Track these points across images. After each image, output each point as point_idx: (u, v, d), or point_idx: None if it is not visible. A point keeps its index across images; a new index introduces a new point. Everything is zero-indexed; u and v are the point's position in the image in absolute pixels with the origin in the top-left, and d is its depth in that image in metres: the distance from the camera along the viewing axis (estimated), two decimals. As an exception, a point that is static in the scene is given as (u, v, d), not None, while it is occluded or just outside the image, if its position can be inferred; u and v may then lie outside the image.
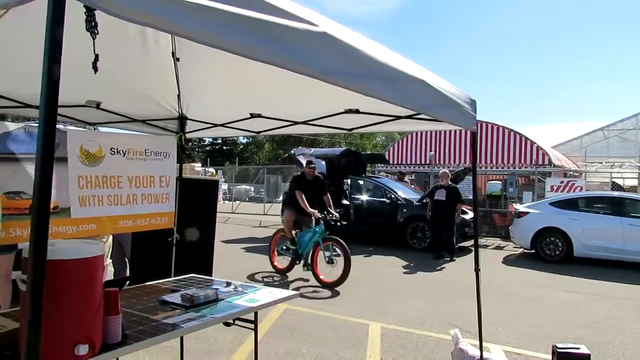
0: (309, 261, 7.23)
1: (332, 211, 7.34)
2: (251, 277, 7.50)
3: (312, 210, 7.13)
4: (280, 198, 16.11)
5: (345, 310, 5.69)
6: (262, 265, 8.28)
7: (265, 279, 7.44)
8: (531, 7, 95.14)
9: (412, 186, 14.78)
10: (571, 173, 17.55)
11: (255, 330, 3.05)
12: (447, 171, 10.45)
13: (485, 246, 12.15)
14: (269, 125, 4.41)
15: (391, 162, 19.76)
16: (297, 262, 7.44)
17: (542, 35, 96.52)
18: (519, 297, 6.70)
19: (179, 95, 3.92)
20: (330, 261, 6.94)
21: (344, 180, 12.76)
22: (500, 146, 18.08)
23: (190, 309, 2.74)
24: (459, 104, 3.22)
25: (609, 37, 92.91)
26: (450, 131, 18.05)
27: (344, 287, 6.89)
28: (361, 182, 12.61)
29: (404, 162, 19.91)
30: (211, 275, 4.49)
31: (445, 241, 9.79)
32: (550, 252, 9.84)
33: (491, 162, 18.05)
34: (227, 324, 2.86)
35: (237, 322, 2.93)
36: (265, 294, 3.18)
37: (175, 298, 2.90)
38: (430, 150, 18.68)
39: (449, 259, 9.61)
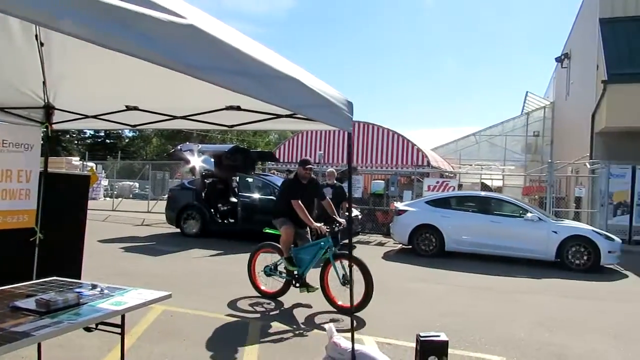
0: (318, 279, 5.84)
1: (338, 218, 6.17)
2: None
3: (318, 225, 5.76)
4: (166, 195, 15.44)
5: (225, 309, 5.63)
6: (139, 267, 7.89)
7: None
8: (420, 17, 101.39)
9: (301, 184, 15.01)
10: (447, 174, 18.95)
11: (122, 334, 2.89)
12: (334, 170, 10.74)
13: (368, 242, 12.71)
14: (147, 118, 4.22)
15: (282, 160, 19.90)
16: (295, 284, 6.03)
17: (426, 45, 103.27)
18: (395, 290, 7.10)
19: (44, 83, 3.60)
20: (346, 282, 5.50)
21: (233, 178, 12.61)
22: (384, 147, 18.99)
23: (46, 315, 2.53)
24: (335, 104, 3.32)
25: (482, 53, 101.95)
26: (339, 131, 18.61)
27: (227, 285, 6.80)
28: (250, 179, 12.54)
29: (294, 161, 20.13)
30: (79, 278, 4.19)
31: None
32: (425, 248, 10.56)
33: (376, 162, 18.91)
34: (88, 330, 2.68)
35: (100, 327, 2.76)
36: (133, 296, 3.03)
37: (30, 304, 2.66)
38: (320, 150, 19.09)
39: (333, 255, 9.90)
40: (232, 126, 4.25)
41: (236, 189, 12.27)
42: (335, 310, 5.67)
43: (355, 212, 12.05)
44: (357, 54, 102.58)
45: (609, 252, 9.37)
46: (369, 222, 14.79)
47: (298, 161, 6.50)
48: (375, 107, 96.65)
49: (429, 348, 3.53)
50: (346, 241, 4.99)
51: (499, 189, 21.27)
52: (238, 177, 12.36)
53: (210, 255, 9.51)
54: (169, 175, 26.81)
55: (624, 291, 7.92)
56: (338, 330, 4.00)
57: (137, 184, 30.60)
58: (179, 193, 13.03)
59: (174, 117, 4.13)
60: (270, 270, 6.26)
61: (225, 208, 12.77)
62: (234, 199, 12.59)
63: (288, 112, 3.60)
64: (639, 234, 13.64)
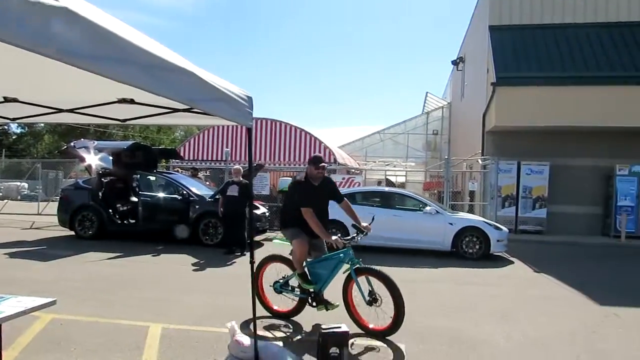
0: (341, 295, 5.04)
1: (361, 225, 5.07)
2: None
3: (334, 238, 4.81)
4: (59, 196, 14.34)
5: (123, 314, 5.33)
6: (27, 273, 7.25)
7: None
8: (328, 18, 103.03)
9: (207, 182, 14.66)
10: (353, 170, 19.47)
11: (-2, 346, 2.63)
12: (240, 167, 10.61)
13: (276, 240, 12.71)
14: (29, 111, 3.87)
15: (187, 157, 19.30)
16: (311, 303, 5.11)
17: (334, 47, 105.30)
18: (301, 286, 7.15)
19: None
20: (373, 300, 4.75)
21: (133, 176, 12.01)
22: (292, 144, 19.10)
23: None
24: (233, 99, 3.26)
25: (386, 55, 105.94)
26: (245, 127, 18.39)
27: (125, 289, 6.46)
28: (152, 178, 12.02)
29: (200, 158, 19.62)
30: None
31: (237, 236, 9.95)
32: (332, 243, 10.76)
33: (284, 159, 18.97)
34: (-45, 344, 2.40)
35: (-30, 339, 2.48)
36: (12, 304, 2.78)
37: None
38: (227, 147, 18.77)
39: (239, 253, 9.79)
40: (125, 120, 4.03)
41: (137, 188, 11.70)
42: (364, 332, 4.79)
43: (262, 210, 12.00)
44: (265, 53, 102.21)
45: (498, 241, 10.16)
46: (277, 219, 14.79)
47: (308, 159, 5.20)
48: (284, 106, 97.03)
49: (331, 340, 3.60)
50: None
51: (402, 185, 22.29)
52: (139, 176, 11.80)
53: (108, 259, 8.99)
54: (63, 174, 24.93)
55: (511, 276, 8.61)
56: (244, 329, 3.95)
57: (26, 185, 28.15)
58: (73, 193, 12.17)
59: (60, 110, 3.84)
60: (281, 287, 5.30)
61: (125, 208, 12.14)
62: (134, 198, 11.99)
63: (185, 106, 3.48)
64: (524, 224, 14.93)
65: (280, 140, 19.12)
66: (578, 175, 15.07)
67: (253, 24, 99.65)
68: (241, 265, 8.77)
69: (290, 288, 5.30)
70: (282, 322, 5.18)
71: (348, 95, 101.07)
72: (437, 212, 10.51)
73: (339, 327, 3.65)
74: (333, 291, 5.11)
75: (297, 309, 5.23)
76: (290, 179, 15.77)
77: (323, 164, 5.05)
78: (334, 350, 3.62)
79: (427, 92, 33.49)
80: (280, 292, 5.32)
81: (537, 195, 14.98)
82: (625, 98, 13.79)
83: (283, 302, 5.36)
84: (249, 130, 3.62)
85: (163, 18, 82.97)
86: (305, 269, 5.09)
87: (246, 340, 3.73)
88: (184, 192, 11.32)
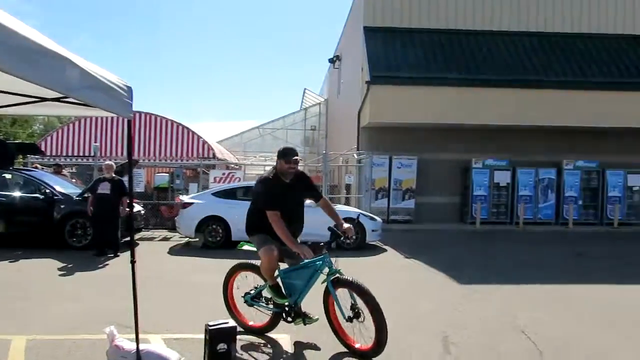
0: (322, 307, 4.37)
1: (342, 227, 4.36)
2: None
3: (301, 248, 4.12)
4: None
5: (-21, 327, 4.74)
6: None
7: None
8: (209, 8, 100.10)
9: (73, 180, 13.51)
10: (232, 166, 19.25)
11: None
12: (112, 163, 9.95)
13: (152, 238, 12.15)
14: None
15: (48, 153, 17.60)
16: (286, 318, 4.44)
17: (211, 40, 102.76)
18: (182, 284, 6.95)
19: None
20: (355, 316, 4.07)
21: (-17, 174, 10.64)
22: (168, 139, 18.35)
23: None
24: (112, 88, 3.06)
25: (266, 51, 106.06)
26: (116, 120, 17.28)
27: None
28: (8, 176, 10.78)
29: (64, 154, 18.01)
30: None
31: (109, 237, 9.33)
32: (212, 239, 10.57)
33: (159, 154, 18.15)
34: None
35: None
36: None
37: None
38: (95, 141, 17.44)
39: (113, 255, 9.19)
40: (-19, 110, 3.58)
41: (-11, 187, 10.40)
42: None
43: (137, 208, 11.38)
44: (139, 41, 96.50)
45: (373, 230, 10.76)
46: (153, 217, 14.14)
47: (277, 151, 4.44)
48: (157, 99, 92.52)
49: (218, 335, 3.56)
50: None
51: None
52: (-9, 173, 10.50)
53: (-45, 267, 7.90)
54: None
55: (384, 263, 9.19)
56: (124, 332, 3.74)
57: None
58: None
59: None
60: (252, 299, 4.64)
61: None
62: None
63: (56, 95, 3.19)
64: (395, 214, 15.98)
65: (155, 135, 18.27)
66: (441, 168, 16.47)
67: (121, 10, 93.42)
68: (116, 266, 8.25)
69: (263, 300, 4.59)
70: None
71: (227, 90, 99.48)
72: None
73: (227, 323, 3.63)
74: (316, 299, 4.38)
75: (272, 323, 4.56)
76: (167, 175, 15.14)
77: (295, 157, 4.28)
78: (221, 346, 3.59)
79: (305, 89, 34.24)
80: (252, 305, 4.65)
81: (407, 187, 16.11)
82: (480, 99, 15.36)
83: (259, 316, 4.67)
84: (128, 123, 3.43)
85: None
86: (279, 280, 4.42)
87: (127, 344, 3.54)
88: (47, 190, 10.31)
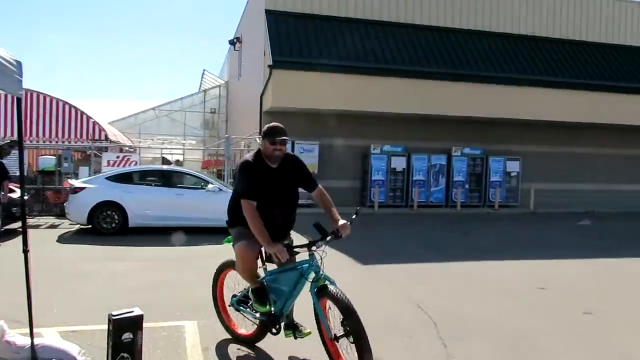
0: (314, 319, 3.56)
1: (338, 225, 3.60)
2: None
3: (275, 248, 3.35)
4: None
5: None
6: None
7: None
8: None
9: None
10: (126, 148, 18.24)
11: None
12: (-11, 144, 8.98)
13: (38, 226, 11.23)
14: None
15: None
16: (272, 330, 3.74)
17: (97, 14, 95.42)
18: (76, 274, 6.52)
19: None
20: (345, 334, 3.26)
21: None
22: (54, 119, 16.86)
23: None
24: (0, 62, 2.78)
25: (160, 29, 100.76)
26: (14, 97, 15.55)
27: None
28: None
29: None
30: None
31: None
32: (107, 226, 9.99)
33: (44, 135, 16.65)
34: None
35: None
36: None
37: None
38: (-34, 119, 15.56)
39: (-7, 244, 8.35)
40: None
41: None
42: None
43: (18, 193, 10.39)
44: (22, 7, 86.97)
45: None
46: (38, 203, 13.03)
47: (262, 131, 3.74)
48: (34, 72, 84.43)
49: (123, 325, 3.41)
50: None
51: (179, 163, 21.80)
52: None
53: None
54: None
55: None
56: (14, 328, 3.45)
57: None
58: None
59: None
60: (238, 303, 4.01)
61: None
62: None
63: None
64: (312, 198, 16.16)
65: (38, 114, 16.68)
66: (342, 154, 16.95)
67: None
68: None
69: (249, 305, 3.91)
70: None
71: (119, 66, 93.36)
72: (220, 189, 10.65)
73: (132, 312, 3.48)
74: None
75: (259, 333, 3.92)
76: (54, 157, 14.00)
77: (283, 137, 3.54)
78: (126, 336, 3.44)
79: (204, 70, 33.24)
80: (238, 310, 4.04)
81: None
82: (380, 88, 15.96)
83: (249, 323, 4.05)
84: (18, 101, 3.13)
85: None
86: (265, 282, 3.75)
87: (19, 339, 3.28)
88: None
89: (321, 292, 3.34)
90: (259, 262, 3.73)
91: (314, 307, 3.42)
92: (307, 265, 3.50)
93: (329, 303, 3.34)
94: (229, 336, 4.23)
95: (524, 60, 18.31)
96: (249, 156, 3.68)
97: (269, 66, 15.54)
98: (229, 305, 4.18)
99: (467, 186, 18.05)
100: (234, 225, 3.77)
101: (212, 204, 10.44)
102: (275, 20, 16.61)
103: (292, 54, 15.88)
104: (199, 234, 10.17)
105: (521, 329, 4.69)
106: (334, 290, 3.27)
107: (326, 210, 3.75)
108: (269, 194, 3.57)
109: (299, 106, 15.75)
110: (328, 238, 3.51)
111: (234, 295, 4.11)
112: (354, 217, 3.63)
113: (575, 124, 18.51)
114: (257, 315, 3.86)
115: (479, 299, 5.82)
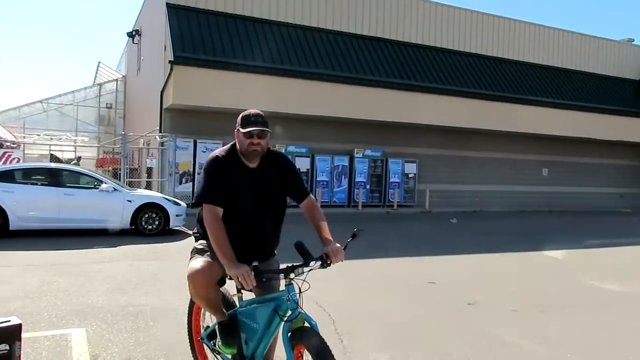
0: None
1: (330, 248, 2.72)
2: None
3: (240, 270, 2.49)
4: None
5: None
6: None
7: None
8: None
9: None
10: (8, 144, 16.68)
11: None
12: None
13: None
14: None
15: None
16: None
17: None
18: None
19: None
20: None
21: None
22: None
23: None
24: None
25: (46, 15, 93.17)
26: None
27: None
28: None
29: None
30: None
31: None
32: (-17, 229, 9.07)
33: None
34: None
35: None
36: None
37: None
38: None
39: None
40: None
41: None
42: None
43: None
44: None
45: (177, 215, 10.50)
46: None
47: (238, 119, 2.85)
48: None
49: (-2, 336, 3.12)
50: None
51: (70, 161, 20.32)
52: None
53: None
54: None
55: (188, 247, 9.01)
56: None
57: None
58: None
59: None
60: (207, 338, 3.11)
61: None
62: None
63: None
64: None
65: None
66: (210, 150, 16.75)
67: None
68: None
69: (217, 350, 3.02)
70: None
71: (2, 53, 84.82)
72: (115, 189, 10.11)
73: (8, 321, 3.20)
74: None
75: None
76: None
77: (261, 128, 2.73)
78: (2, 347, 3.15)
79: (99, 62, 31.27)
80: (213, 350, 3.08)
81: (184, 170, 15.97)
82: (284, 89, 16.04)
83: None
84: None
85: None
86: (237, 315, 2.88)
87: None
88: None
89: (296, 336, 2.51)
90: (234, 288, 2.83)
91: (286, 354, 2.52)
92: (282, 298, 2.63)
93: (305, 352, 2.50)
94: (121, 344, 4.04)
95: (422, 68, 19.37)
96: (219, 151, 2.85)
97: (170, 62, 14.99)
98: (200, 339, 3.25)
99: (368, 187, 18.73)
100: (198, 237, 2.98)
101: (106, 204, 9.91)
102: (177, 14, 16.06)
103: (195, 51, 15.46)
104: (91, 236, 9.58)
105: (411, 321, 4.97)
106: (313, 338, 2.44)
107: (315, 227, 2.91)
108: (244, 202, 2.77)
109: (201, 104, 15.36)
110: (312, 264, 2.61)
111: (206, 329, 3.19)
112: (350, 240, 2.74)
113: (466, 129, 19.93)
114: (220, 358, 3.02)
115: (376, 294, 6.08)
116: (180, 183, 15.60)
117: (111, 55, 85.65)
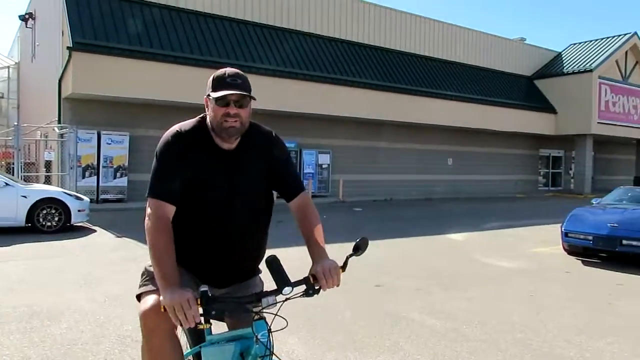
0: None
1: (321, 267, 1.92)
2: None
3: (179, 295, 1.67)
4: None
5: None
6: None
7: None
8: None
9: None
10: None
11: None
12: None
13: None
14: None
15: None
16: None
17: None
18: None
19: None
20: None
21: None
22: None
23: None
24: None
25: None
26: None
27: None
28: None
29: None
30: None
31: None
32: None
33: None
34: None
35: None
36: None
37: None
38: None
39: None
40: None
41: None
42: None
43: None
44: None
45: (79, 211, 9.91)
46: None
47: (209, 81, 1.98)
48: None
49: None
50: None
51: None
52: None
53: None
54: None
55: (93, 244, 8.59)
56: None
57: None
58: None
59: None
60: None
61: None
62: None
63: None
64: (106, 193, 15.01)
65: None
66: (154, 146, 16.05)
67: None
68: None
69: None
70: None
71: None
72: (7, 184, 9.35)
73: None
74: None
75: None
76: None
77: (239, 91, 1.92)
78: None
79: (-12, 48, 28.49)
80: None
81: (118, 164, 15.28)
82: (193, 78, 15.59)
83: None
84: None
85: None
86: (203, 357, 1.99)
87: None
88: None
89: None
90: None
91: None
92: (249, 338, 1.90)
93: None
94: (13, 346, 3.77)
95: (336, 61, 19.69)
96: (181, 125, 2.05)
97: (68, 48, 14.02)
98: None
99: (282, 178, 18.76)
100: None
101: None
102: (76, -3, 15.03)
103: (98, 37, 14.57)
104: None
105: (325, 304, 5.09)
106: None
107: (305, 236, 2.07)
108: (214, 199, 1.99)
109: (106, 94, 14.53)
110: (287, 292, 1.87)
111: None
112: (350, 256, 1.98)
113: (377, 121, 20.58)
114: None
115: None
116: (83, 177, 14.70)
117: (3, 40, 78.22)
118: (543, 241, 9.82)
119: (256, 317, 1.90)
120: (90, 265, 6.83)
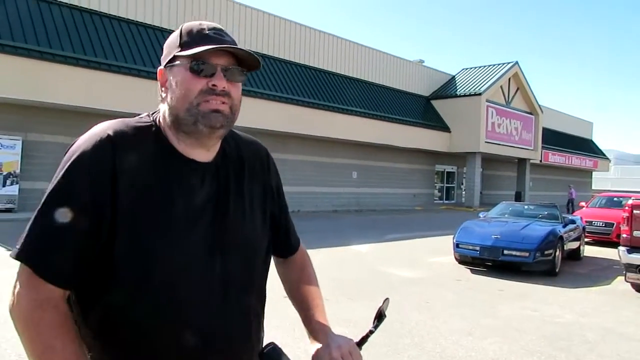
0: None
1: (329, 346, 1.24)
2: None
3: None
4: None
5: None
6: None
7: None
8: None
9: None
10: None
11: None
12: None
13: None
14: None
15: None
16: None
17: None
18: None
19: None
20: None
21: None
22: None
23: None
24: None
25: None
26: None
27: None
28: None
29: None
30: None
31: None
32: None
33: None
34: None
35: None
36: None
37: None
38: None
39: None
40: None
41: None
42: None
43: None
44: None
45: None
46: None
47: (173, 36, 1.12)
48: None
49: None
50: None
51: None
52: None
53: None
54: None
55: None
56: None
57: None
58: None
59: None
60: None
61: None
62: None
63: None
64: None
65: None
66: (53, 150, 15.04)
67: None
68: None
69: None
70: None
71: None
72: None
73: None
74: None
75: None
76: None
77: (230, 47, 1.08)
78: None
79: None
80: None
81: (9, 171, 14.16)
82: (92, 81, 14.92)
83: None
84: None
85: None
86: None
87: None
88: None
89: None
90: None
91: None
92: None
93: None
94: None
95: (249, 74, 19.69)
96: (111, 125, 1.09)
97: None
98: None
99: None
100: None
101: None
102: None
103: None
104: None
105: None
106: None
107: (299, 301, 1.55)
108: (181, 251, 1.07)
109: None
110: None
111: None
112: (374, 327, 1.45)
113: (282, 133, 20.91)
114: None
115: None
116: (4, 185, 13.55)
117: None
118: (437, 251, 10.68)
119: None
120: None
